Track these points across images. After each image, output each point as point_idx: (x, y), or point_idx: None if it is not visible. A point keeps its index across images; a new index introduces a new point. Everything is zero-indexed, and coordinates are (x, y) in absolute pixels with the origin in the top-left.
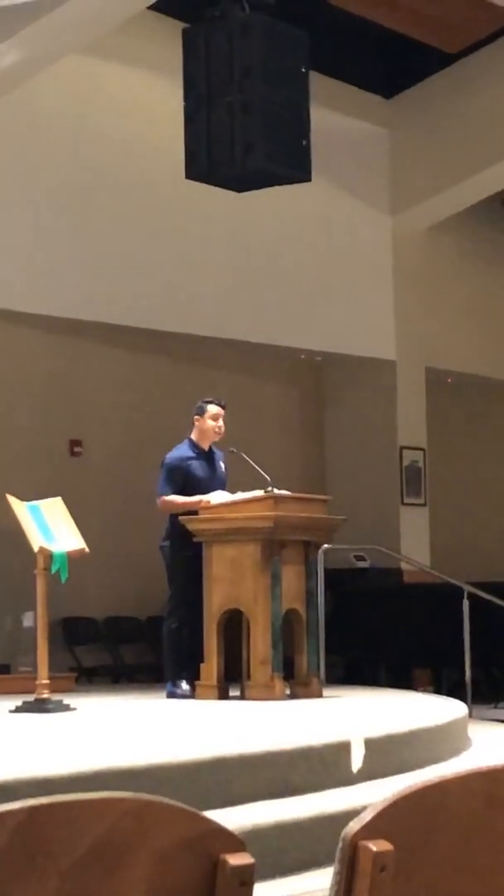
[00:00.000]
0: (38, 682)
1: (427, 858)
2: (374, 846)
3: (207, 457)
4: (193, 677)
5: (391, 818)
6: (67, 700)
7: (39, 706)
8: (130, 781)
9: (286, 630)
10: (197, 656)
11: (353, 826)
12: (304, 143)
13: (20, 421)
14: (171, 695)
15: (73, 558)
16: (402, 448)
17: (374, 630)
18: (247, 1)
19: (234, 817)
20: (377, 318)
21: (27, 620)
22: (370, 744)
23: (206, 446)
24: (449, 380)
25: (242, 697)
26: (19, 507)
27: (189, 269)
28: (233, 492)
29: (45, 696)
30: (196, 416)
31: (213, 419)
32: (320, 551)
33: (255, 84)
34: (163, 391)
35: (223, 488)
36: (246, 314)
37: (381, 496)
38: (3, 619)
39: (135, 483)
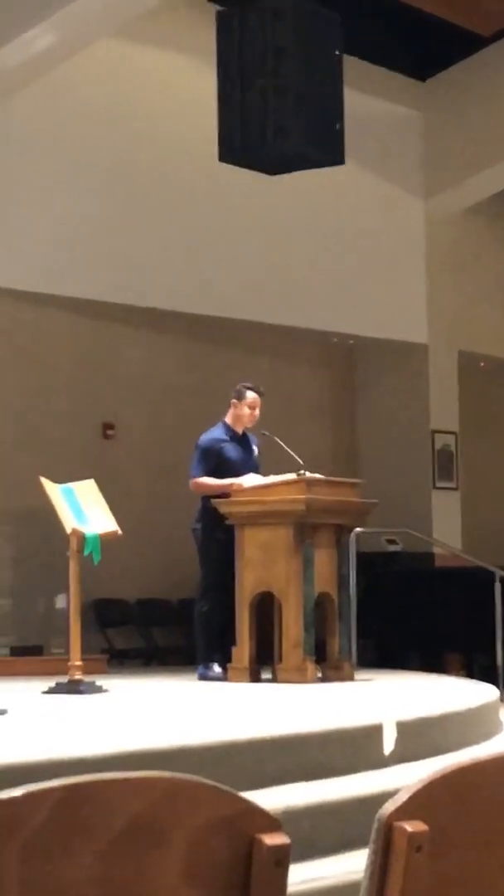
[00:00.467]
0: (70, 664)
1: (461, 839)
2: (409, 827)
3: (241, 440)
4: (225, 660)
5: (426, 799)
6: (100, 682)
7: (72, 687)
8: (163, 763)
9: (318, 613)
10: (229, 639)
11: (388, 807)
12: (337, 126)
13: (54, 404)
14: (203, 677)
15: (105, 540)
16: (433, 432)
17: (405, 614)
18: None
19: (267, 799)
20: (410, 301)
21: (60, 602)
22: (402, 727)
23: (239, 430)
24: (482, 364)
25: (274, 680)
26: (53, 490)
27: (221, 253)
28: (265, 475)
29: (78, 677)
30: (234, 400)
31: (249, 407)
32: (352, 535)
33: (288, 67)
34: (195, 374)
35: (256, 472)
36: (278, 297)
37: (412, 480)
38: (36, 600)
39: (167, 466)
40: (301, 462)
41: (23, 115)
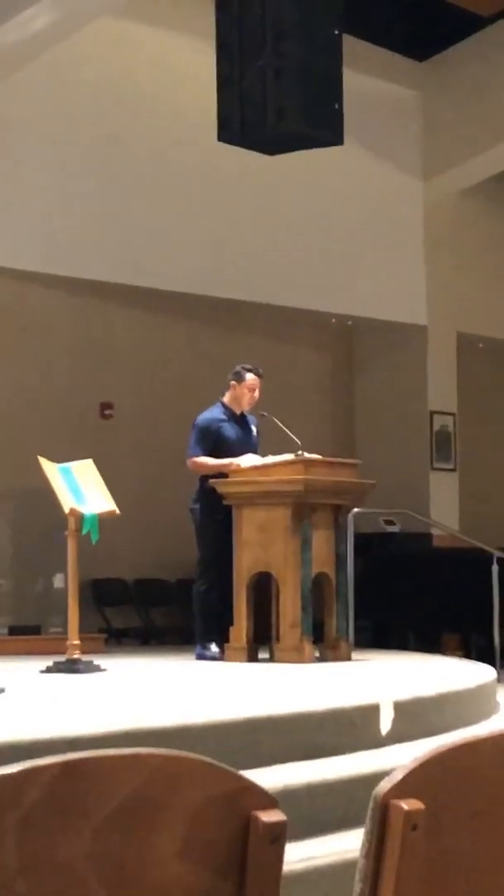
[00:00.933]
0: (68, 643)
1: (458, 818)
2: (405, 805)
3: (239, 420)
4: (223, 640)
5: (422, 778)
6: (97, 661)
7: (70, 667)
8: (160, 741)
9: (315, 593)
10: (226, 619)
11: (385, 785)
12: (336, 106)
13: (52, 384)
14: (201, 657)
15: (103, 520)
16: (432, 413)
17: (402, 594)
18: None
19: (264, 778)
20: (408, 282)
21: (58, 582)
22: (399, 706)
23: (237, 411)
24: (480, 345)
25: (271, 660)
26: (51, 469)
27: (220, 233)
28: (263, 455)
29: (76, 656)
30: (233, 381)
31: (249, 389)
32: (350, 515)
33: (287, 47)
34: (194, 355)
35: (255, 452)
36: (277, 278)
37: (410, 461)
38: (34, 580)
39: (165, 446)
40: (299, 443)
41: (21, 93)
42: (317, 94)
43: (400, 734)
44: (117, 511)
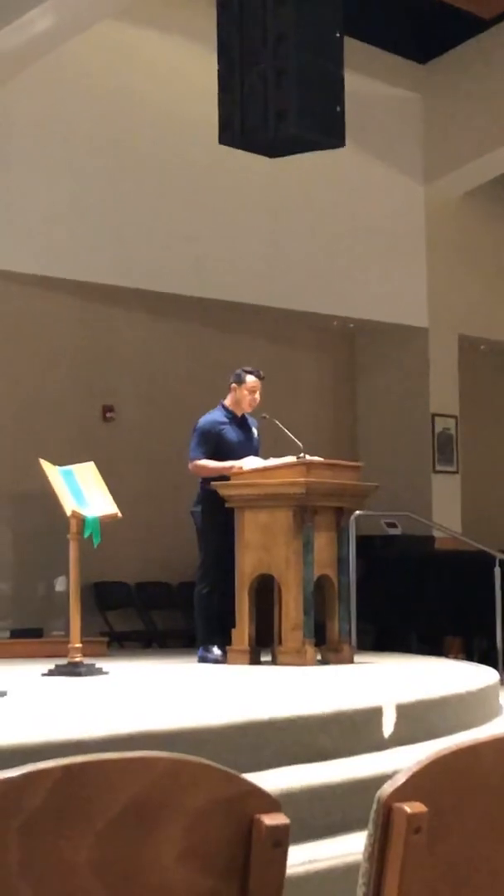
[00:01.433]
0: (70, 646)
1: (460, 820)
2: (408, 808)
3: (241, 422)
4: (225, 642)
5: (425, 780)
6: (99, 664)
7: (72, 670)
8: (163, 744)
9: (318, 596)
10: (228, 621)
11: (388, 788)
12: (337, 108)
13: (53, 386)
14: (203, 659)
15: (105, 523)
16: (434, 415)
17: (404, 597)
18: None
19: (267, 781)
20: (410, 285)
21: (59, 585)
22: (402, 709)
23: (239, 413)
24: (482, 347)
25: (274, 663)
26: (52, 472)
27: (221, 235)
28: (265, 458)
29: (78, 659)
30: (233, 384)
31: (249, 391)
32: (352, 518)
33: (288, 50)
34: (195, 358)
35: (256, 454)
36: (278, 281)
37: (413, 463)
38: (36, 583)
39: (167, 448)
40: (301, 445)
41: (22, 97)
42: (318, 96)
43: (402, 737)
44: (119, 514)
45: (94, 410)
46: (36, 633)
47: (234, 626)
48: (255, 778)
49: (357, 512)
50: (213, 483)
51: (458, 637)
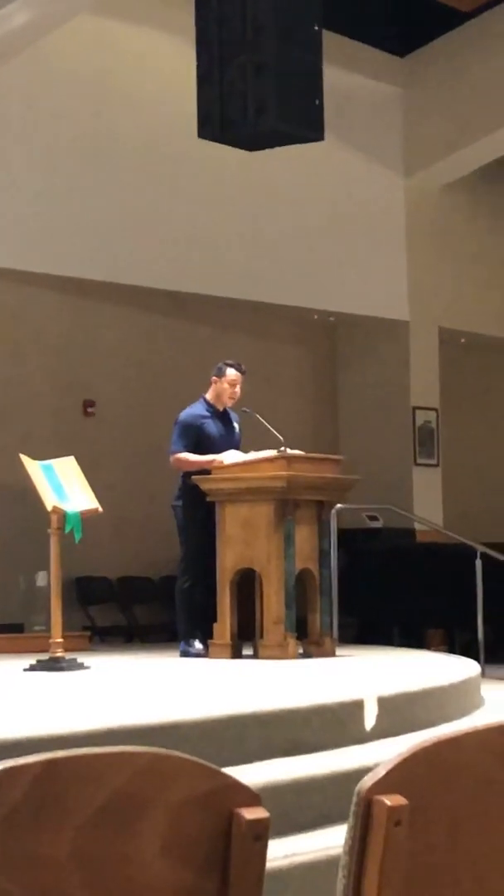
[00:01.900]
0: (51, 641)
1: (441, 813)
2: (388, 801)
3: (222, 416)
4: (207, 636)
5: (405, 773)
6: (81, 659)
7: (53, 665)
8: (145, 739)
9: (299, 589)
10: (210, 615)
11: (368, 781)
12: (316, 102)
13: (34, 381)
14: (185, 654)
15: (86, 518)
16: (414, 408)
17: (386, 590)
18: None
19: (249, 775)
20: (390, 278)
21: (41, 580)
22: (383, 702)
23: (220, 407)
24: (462, 340)
25: (256, 656)
26: (33, 467)
27: (201, 229)
28: (246, 452)
29: (59, 654)
30: (214, 377)
31: (230, 384)
32: (333, 511)
33: (267, 43)
34: (176, 352)
35: (237, 448)
36: (259, 274)
37: (393, 456)
38: (17, 578)
39: (148, 443)
40: (282, 439)
41: (0, 90)
42: (297, 90)
43: (384, 730)
44: (100, 509)
45: (75, 405)
46: (17, 628)
47: (215, 620)
48: (237, 771)
49: (338, 505)
50: (194, 477)
51: (440, 629)
